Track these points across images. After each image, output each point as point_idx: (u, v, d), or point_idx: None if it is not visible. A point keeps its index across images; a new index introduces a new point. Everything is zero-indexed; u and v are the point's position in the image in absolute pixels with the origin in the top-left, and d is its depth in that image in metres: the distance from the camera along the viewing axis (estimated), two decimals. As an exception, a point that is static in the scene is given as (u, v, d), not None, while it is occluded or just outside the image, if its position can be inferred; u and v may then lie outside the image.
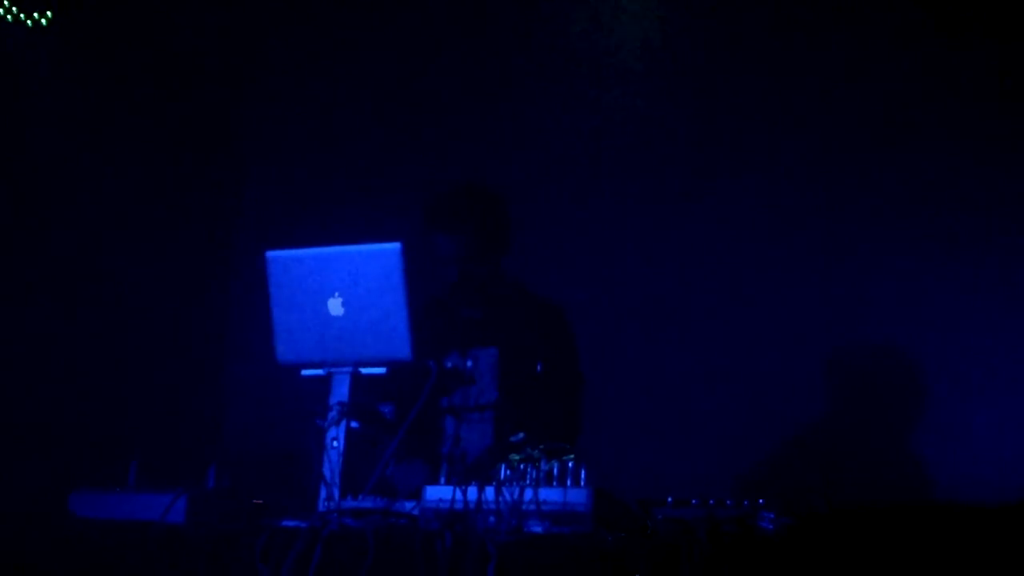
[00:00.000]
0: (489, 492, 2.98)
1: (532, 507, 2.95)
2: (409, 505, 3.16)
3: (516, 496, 2.95)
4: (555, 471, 3.00)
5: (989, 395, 4.93)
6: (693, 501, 2.91)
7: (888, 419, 5.12)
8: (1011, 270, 4.98)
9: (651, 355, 5.53)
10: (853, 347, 5.21)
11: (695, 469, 5.13)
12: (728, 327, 5.45)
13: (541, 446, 3.19)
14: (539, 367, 4.09)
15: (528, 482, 2.99)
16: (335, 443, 3.36)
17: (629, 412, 5.36)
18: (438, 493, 3.07)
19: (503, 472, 3.04)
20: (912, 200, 5.19)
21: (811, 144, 5.41)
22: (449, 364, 3.72)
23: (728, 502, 2.87)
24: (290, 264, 3.53)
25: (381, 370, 3.42)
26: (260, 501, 3.41)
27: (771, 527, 2.80)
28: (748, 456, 5.18)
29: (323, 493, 3.33)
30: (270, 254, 3.55)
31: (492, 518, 2.94)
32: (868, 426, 5.13)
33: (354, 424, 3.41)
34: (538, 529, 2.93)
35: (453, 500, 3.00)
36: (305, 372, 3.50)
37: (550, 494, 2.96)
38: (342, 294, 3.44)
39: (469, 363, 4.03)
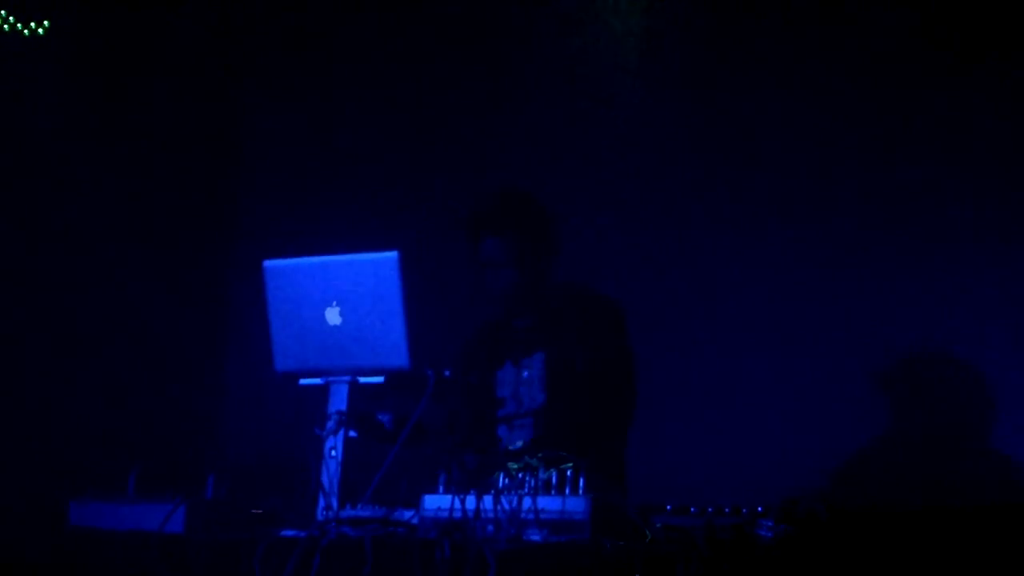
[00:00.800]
0: (487, 501, 2.98)
1: (531, 516, 2.95)
2: (408, 514, 3.16)
3: (515, 505, 2.95)
4: (553, 480, 3.00)
5: (1000, 399, 4.92)
6: (691, 509, 2.91)
7: (891, 424, 5.12)
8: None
9: (649, 360, 5.52)
10: (859, 351, 5.20)
11: (695, 476, 5.13)
12: (727, 331, 5.44)
13: (540, 455, 3.19)
14: (579, 366, 4.02)
15: (526, 491, 2.99)
16: (333, 452, 3.36)
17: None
18: (436, 502, 3.07)
19: (502, 481, 3.05)
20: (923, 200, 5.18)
21: (824, 144, 5.38)
22: (447, 373, 3.71)
23: (726, 509, 2.87)
24: (287, 273, 3.53)
25: (379, 379, 3.42)
26: (259, 511, 3.41)
27: (769, 535, 2.80)
28: (748, 463, 5.17)
29: (321, 502, 3.33)
30: (267, 263, 3.55)
31: (491, 527, 2.94)
32: (871, 432, 5.13)
33: (352, 433, 3.41)
34: (536, 538, 2.93)
35: (452, 509, 3.00)
36: (303, 381, 3.51)
37: (548, 503, 2.96)
38: (340, 303, 3.44)
39: (525, 373, 4.02)
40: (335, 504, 3.30)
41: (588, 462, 3.01)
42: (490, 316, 4.27)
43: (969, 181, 5.09)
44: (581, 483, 2.97)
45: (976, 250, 5.06)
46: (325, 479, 3.34)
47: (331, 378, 3.46)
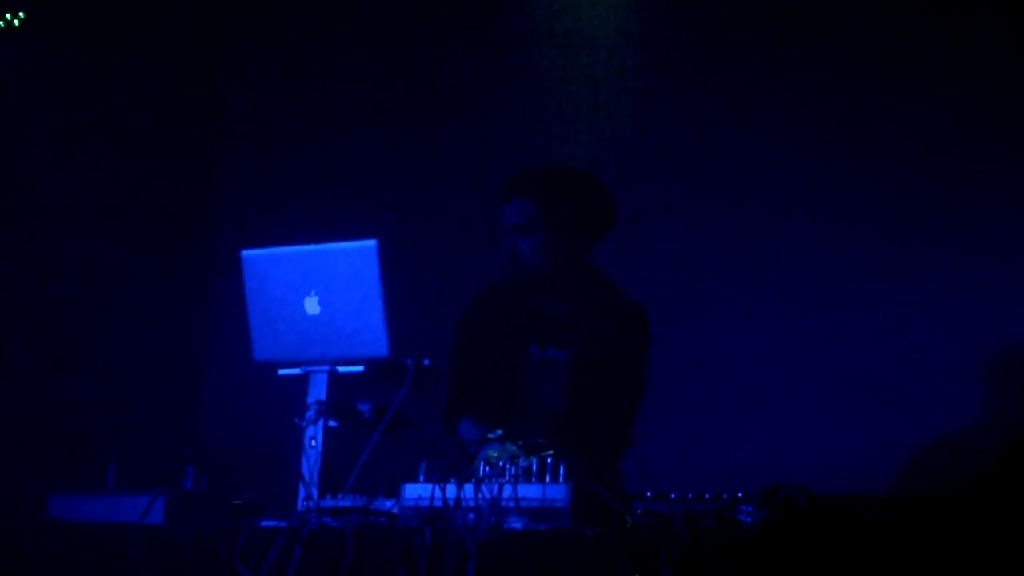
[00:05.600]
0: (468, 489, 2.98)
1: (511, 504, 2.95)
2: (388, 503, 3.16)
3: (495, 493, 2.95)
4: (534, 467, 3.00)
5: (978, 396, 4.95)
6: (672, 495, 2.92)
7: (874, 415, 5.13)
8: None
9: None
10: (846, 343, 5.21)
11: (678, 464, 5.13)
12: (711, 322, 5.45)
13: (520, 442, 3.19)
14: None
15: (507, 479, 2.99)
16: (313, 442, 3.36)
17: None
18: (417, 491, 3.07)
19: (482, 469, 3.05)
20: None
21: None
22: (427, 362, 3.69)
23: (707, 496, 2.88)
24: (265, 263, 3.52)
25: (359, 368, 3.42)
26: (239, 501, 3.41)
27: (749, 520, 2.81)
28: (730, 451, 5.18)
29: (302, 492, 3.33)
30: (245, 253, 3.54)
31: (471, 515, 2.94)
32: (854, 421, 5.15)
33: (332, 423, 3.41)
34: (517, 525, 2.93)
35: (432, 498, 3.00)
36: (282, 371, 3.50)
37: (529, 490, 2.96)
38: (319, 292, 3.43)
39: (548, 369, 3.92)
40: (315, 494, 3.30)
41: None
42: (499, 282, 4.11)
43: (965, 177, 5.12)
44: (561, 470, 2.97)
45: (978, 248, 5.08)
46: (305, 469, 3.34)
47: (310, 368, 3.44)
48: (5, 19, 5.79)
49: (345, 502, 3.22)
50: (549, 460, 2.99)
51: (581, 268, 4.05)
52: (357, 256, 3.40)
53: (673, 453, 5.10)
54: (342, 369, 3.43)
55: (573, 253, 4.00)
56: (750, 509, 2.83)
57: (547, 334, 3.99)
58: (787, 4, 5.51)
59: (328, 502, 3.23)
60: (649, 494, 2.94)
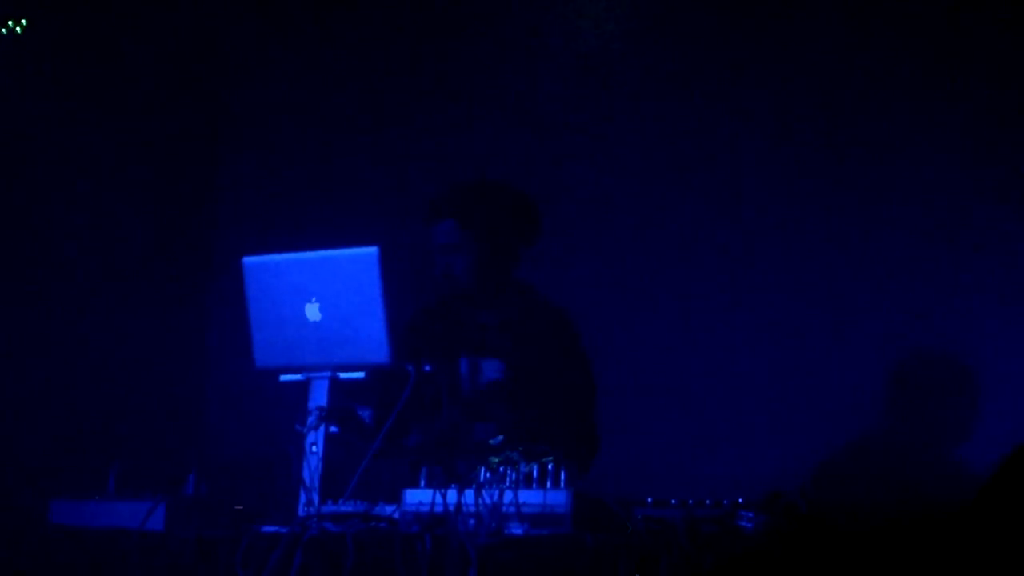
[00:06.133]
0: (469, 495, 2.98)
1: (512, 509, 2.95)
2: (389, 509, 3.16)
3: (496, 499, 2.96)
4: (535, 473, 3.00)
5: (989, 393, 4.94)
6: (672, 501, 2.92)
7: (873, 419, 5.14)
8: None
9: (634, 355, 5.52)
10: (844, 347, 5.21)
11: (678, 470, 5.14)
12: (713, 326, 5.45)
13: (520, 448, 3.20)
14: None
15: (508, 484, 2.99)
16: (314, 448, 3.36)
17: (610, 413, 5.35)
18: (418, 496, 3.07)
19: (483, 475, 3.05)
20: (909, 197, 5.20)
21: (816, 141, 5.39)
22: (428, 368, 3.70)
23: (707, 502, 2.88)
24: (267, 270, 3.53)
25: (359, 375, 3.42)
26: (240, 507, 3.41)
27: (750, 526, 2.81)
28: (730, 457, 5.18)
29: (303, 498, 3.33)
30: (247, 260, 3.55)
31: (472, 521, 2.94)
32: (852, 426, 5.15)
33: (333, 429, 3.41)
34: (518, 531, 2.94)
35: (433, 503, 3.00)
36: (283, 377, 3.50)
37: (530, 496, 2.97)
38: (319, 299, 3.44)
39: (482, 376, 3.99)
40: (316, 499, 3.30)
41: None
42: (430, 303, 4.24)
43: (932, 181, 5.12)
44: (563, 476, 2.98)
45: (959, 248, 5.08)
46: (306, 475, 3.34)
47: (311, 374, 3.45)
48: (7, 26, 5.80)
49: (346, 507, 3.22)
50: (550, 466, 2.99)
51: (511, 280, 4.18)
52: (358, 263, 3.40)
53: (660, 458, 5.14)
54: (343, 375, 3.43)
55: (501, 266, 4.14)
56: (751, 515, 2.83)
57: (482, 345, 4.07)
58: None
59: (329, 507, 3.24)
60: (650, 500, 2.94)
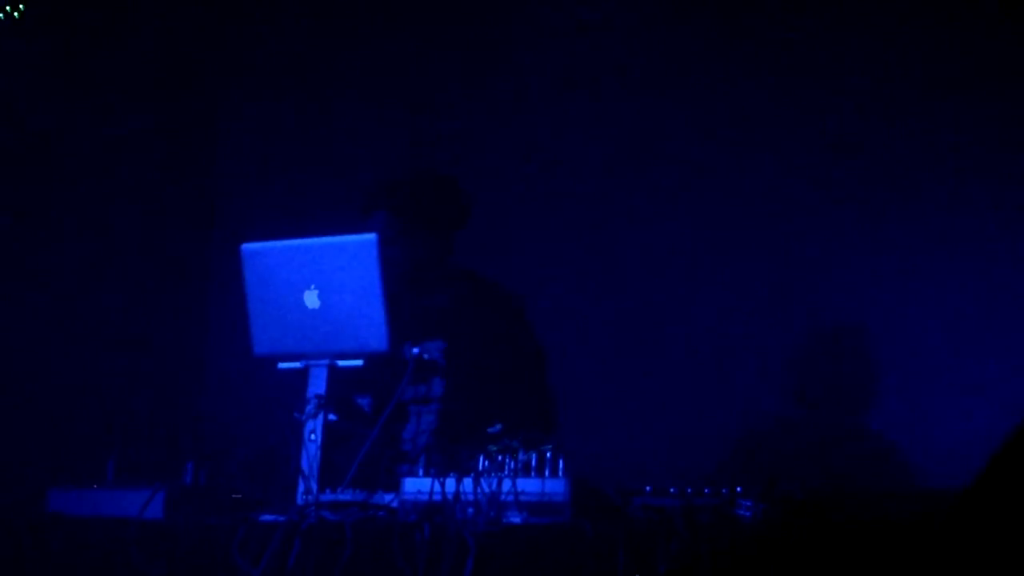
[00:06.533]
0: (467, 484, 2.98)
1: (510, 498, 2.95)
2: (388, 497, 3.16)
3: (494, 487, 2.96)
4: (533, 461, 3.01)
5: (960, 385, 4.94)
6: (671, 490, 2.92)
7: (862, 409, 5.14)
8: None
9: (630, 345, 5.52)
10: (829, 339, 5.22)
11: (674, 459, 5.14)
12: (707, 318, 5.45)
13: (519, 436, 3.20)
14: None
15: (506, 473, 2.99)
16: (313, 436, 3.36)
17: (607, 402, 5.36)
18: (416, 485, 3.07)
19: (481, 463, 3.05)
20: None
21: (775, 141, 5.39)
22: (427, 356, 3.72)
23: (706, 490, 2.88)
24: (265, 256, 3.52)
25: (358, 362, 3.42)
26: (238, 495, 3.41)
27: (748, 514, 2.82)
28: (727, 446, 5.19)
29: (301, 486, 3.33)
30: (245, 247, 3.54)
31: (470, 509, 2.94)
32: (843, 416, 5.15)
33: (332, 417, 3.41)
34: (516, 520, 2.94)
35: (431, 492, 3.00)
36: (282, 365, 3.50)
37: (528, 485, 2.97)
38: (318, 286, 3.43)
39: (425, 355, 4.03)
40: (315, 488, 3.30)
41: None
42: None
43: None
44: (560, 465, 2.98)
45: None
46: (305, 463, 3.34)
47: (310, 361, 3.45)
48: (5, 11, 5.78)
49: (344, 496, 3.22)
50: (548, 454, 2.99)
51: (449, 262, 4.27)
52: (357, 249, 3.40)
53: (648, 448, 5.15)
54: (341, 363, 3.43)
55: (437, 250, 4.24)
56: (749, 503, 2.83)
57: (426, 328, 4.10)
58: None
59: (327, 496, 3.24)
60: (648, 489, 2.94)
